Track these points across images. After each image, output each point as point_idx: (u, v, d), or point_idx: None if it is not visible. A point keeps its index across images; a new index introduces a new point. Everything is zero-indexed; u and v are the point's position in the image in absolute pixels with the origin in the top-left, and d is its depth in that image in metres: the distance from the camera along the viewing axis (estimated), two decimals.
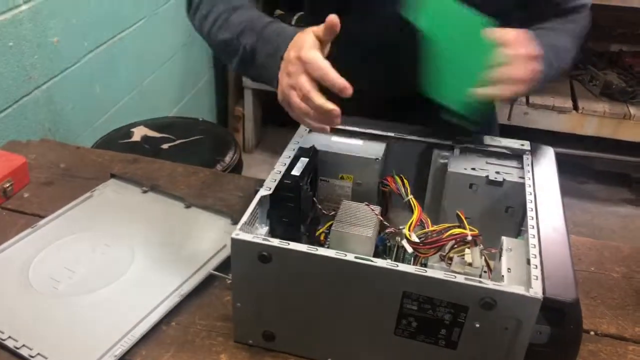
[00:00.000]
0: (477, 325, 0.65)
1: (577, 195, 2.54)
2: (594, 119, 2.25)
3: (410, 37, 0.75)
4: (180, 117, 1.81)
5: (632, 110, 2.25)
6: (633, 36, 2.58)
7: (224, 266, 0.85)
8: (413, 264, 0.79)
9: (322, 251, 0.66)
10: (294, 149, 0.85)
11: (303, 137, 0.89)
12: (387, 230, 0.83)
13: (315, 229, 0.86)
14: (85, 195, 1.01)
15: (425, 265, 0.83)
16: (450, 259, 0.79)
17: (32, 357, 0.71)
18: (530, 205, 0.76)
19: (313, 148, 0.86)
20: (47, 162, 1.12)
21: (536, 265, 0.65)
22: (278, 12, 2.49)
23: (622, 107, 2.26)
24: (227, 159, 1.43)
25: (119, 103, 1.80)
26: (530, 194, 0.78)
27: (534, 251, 0.68)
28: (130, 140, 1.48)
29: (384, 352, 0.70)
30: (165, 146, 1.47)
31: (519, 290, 0.62)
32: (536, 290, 0.62)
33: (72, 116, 1.57)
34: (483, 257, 0.77)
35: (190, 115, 1.85)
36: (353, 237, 0.79)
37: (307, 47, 0.70)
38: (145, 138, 1.50)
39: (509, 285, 0.64)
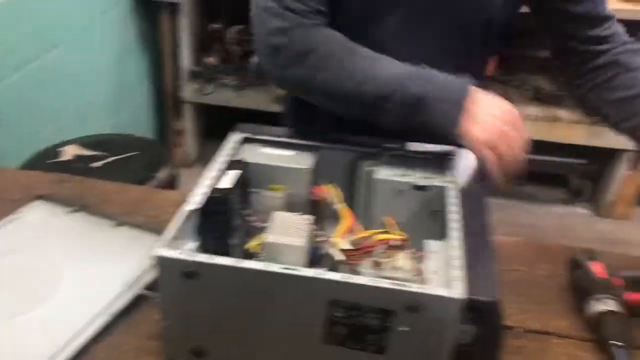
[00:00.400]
0: (405, 329, 0.66)
1: (518, 197, 2.63)
2: (528, 122, 2.33)
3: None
4: (113, 134, 1.78)
5: (561, 113, 2.35)
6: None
7: (156, 284, 0.83)
8: (348, 272, 0.80)
9: (247, 264, 0.66)
10: (222, 162, 0.85)
11: (231, 150, 0.89)
12: (319, 240, 0.84)
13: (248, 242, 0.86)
14: (10, 217, 0.97)
15: (358, 273, 0.84)
16: (380, 264, 0.80)
17: None
18: (452, 209, 0.78)
19: (242, 160, 0.86)
20: None
21: (458, 267, 0.67)
22: (214, 26, 2.48)
23: (552, 111, 2.36)
24: (161, 175, 1.41)
25: (50, 122, 1.75)
26: (453, 197, 0.80)
27: (456, 253, 0.70)
28: (60, 159, 1.44)
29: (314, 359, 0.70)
30: (97, 164, 1.44)
31: (442, 292, 0.64)
32: (458, 292, 0.64)
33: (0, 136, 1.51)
34: (413, 261, 0.79)
35: (128, 132, 1.81)
36: (285, 247, 0.79)
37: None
38: (77, 157, 1.46)
39: (433, 287, 0.65)
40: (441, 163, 0.89)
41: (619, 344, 0.76)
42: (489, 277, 0.67)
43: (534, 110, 2.36)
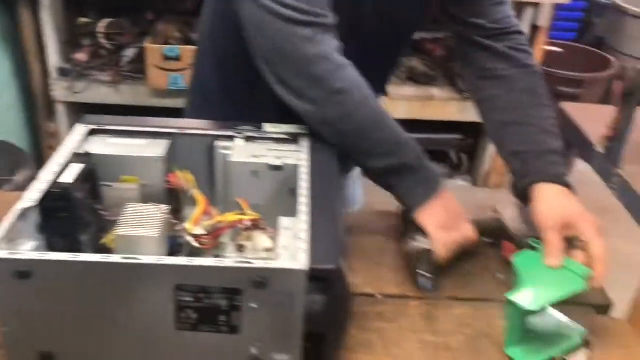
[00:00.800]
0: (254, 306, 0.66)
1: None
2: (403, 103, 2.43)
3: None
4: None
5: (435, 91, 2.46)
6: (431, 23, 2.81)
7: None
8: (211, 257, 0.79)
9: (84, 257, 0.64)
10: (64, 156, 0.81)
11: (76, 143, 0.85)
12: (176, 229, 0.82)
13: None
14: None
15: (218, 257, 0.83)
16: (243, 247, 0.80)
17: None
18: (303, 185, 0.79)
19: (86, 153, 0.83)
20: None
21: (303, 240, 0.68)
22: (83, 20, 2.36)
23: (426, 90, 2.46)
24: (20, 178, 1.33)
25: None
26: (304, 174, 0.81)
27: (303, 227, 0.71)
28: None
29: (170, 348, 0.69)
30: None
31: (285, 265, 0.65)
32: (301, 263, 0.65)
33: None
34: (272, 240, 0.79)
35: None
36: (139, 239, 0.76)
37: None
38: None
39: (276, 262, 0.66)
40: (294, 142, 0.90)
41: (425, 273, 0.87)
42: (331, 247, 0.68)
43: (409, 90, 2.45)
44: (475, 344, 0.80)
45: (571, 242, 0.83)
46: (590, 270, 0.79)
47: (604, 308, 0.89)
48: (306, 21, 0.83)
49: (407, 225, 0.93)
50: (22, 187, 1.33)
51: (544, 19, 2.30)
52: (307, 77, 0.85)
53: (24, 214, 0.71)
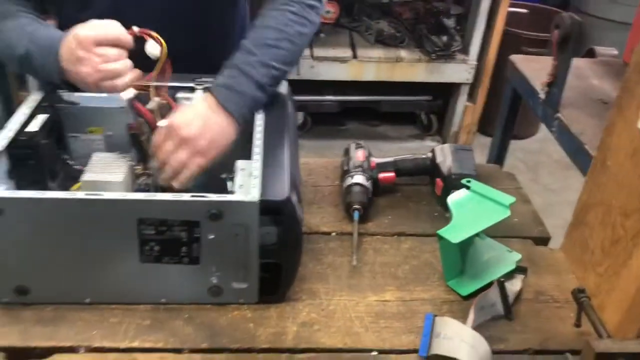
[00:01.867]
0: (212, 237, 0.72)
1: (372, 136, 2.79)
2: (372, 65, 2.47)
3: None
4: None
5: (403, 53, 2.50)
6: None
7: None
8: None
9: (51, 194, 0.69)
10: (30, 107, 0.85)
11: (41, 95, 0.89)
12: (142, 179, 0.87)
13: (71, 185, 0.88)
14: None
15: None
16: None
17: None
18: (258, 133, 0.84)
19: (51, 104, 0.87)
20: None
21: (255, 177, 0.74)
22: None
23: (395, 52, 2.51)
24: None
25: None
26: (259, 122, 0.86)
27: (256, 166, 0.76)
28: None
29: (136, 280, 0.75)
30: None
31: (239, 197, 0.70)
32: (253, 195, 0.71)
33: None
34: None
35: None
36: (105, 184, 0.82)
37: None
38: None
39: (232, 195, 0.72)
40: None
41: (358, 207, 0.93)
42: (282, 182, 0.74)
43: (377, 52, 2.49)
44: (421, 273, 0.87)
45: None
46: (514, 198, 0.87)
47: (542, 240, 0.97)
48: None
49: (346, 165, 1.01)
50: None
51: None
52: None
53: None
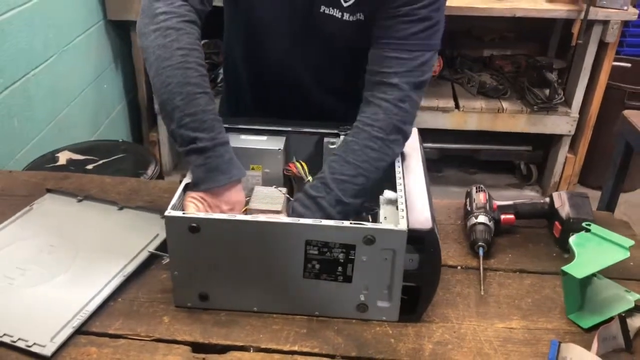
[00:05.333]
0: (364, 259, 0.85)
1: (469, 184, 2.84)
2: (474, 115, 2.57)
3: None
4: (101, 140, 1.92)
5: (505, 104, 2.59)
6: (501, 41, 2.95)
7: (161, 248, 1.00)
8: None
9: (239, 217, 0.84)
10: None
11: None
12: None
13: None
14: (25, 209, 1.13)
15: None
16: None
17: None
18: (398, 170, 0.97)
19: None
20: None
21: (403, 209, 0.86)
22: None
23: (496, 103, 2.60)
24: (149, 172, 1.58)
25: (39, 134, 1.89)
26: (399, 162, 1.00)
27: (401, 200, 0.89)
28: (56, 164, 1.59)
29: (297, 293, 0.89)
30: (90, 167, 1.60)
31: (390, 226, 0.83)
32: (402, 225, 0.83)
33: None
34: (369, 216, 0.98)
35: None
36: (266, 213, 0.97)
37: None
38: (71, 161, 1.61)
39: (383, 224, 0.84)
40: None
41: (482, 244, 1.04)
42: (425, 214, 0.86)
43: (480, 103, 2.59)
44: (543, 306, 0.95)
45: None
46: (633, 241, 0.94)
47: None
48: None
49: (469, 206, 1.11)
50: (153, 178, 1.59)
51: (612, 35, 2.40)
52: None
53: (187, 187, 0.92)
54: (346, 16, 1.03)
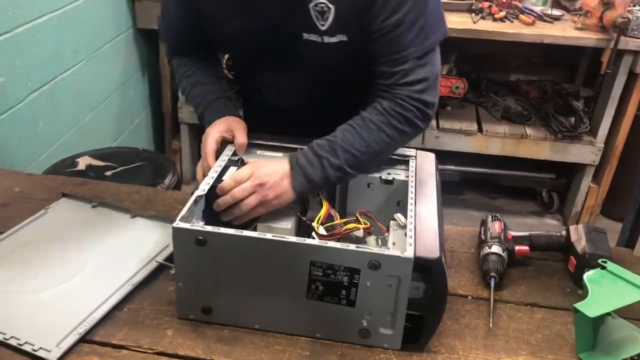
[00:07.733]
0: (368, 284, 0.84)
1: (490, 209, 2.82)
2: (497, 139, 2.55)
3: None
4: (121, 147, 1.94)
5: (529, 130, 2.56)
6: (528, 67, 2.92)
7: (169, 259, 1.01)
8: None
9: (246, 233, 0.84)
10: (224, 160, 1.03)
11: (232, 151, 1.07)
12: (305, 224, 1.02)
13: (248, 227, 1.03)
14: (40, 212, 1.14)
15: None
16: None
17: (6, 339, 0.85)
18: (410, 196, 0.96)
19: (240, 159, 1.05)
20: (2, 188, 1.25)
21: (411, 236, 0.85)
22: None
23: (520, 129, 2.57)
24: (167, 181, 1.59)
25: (61, 138, 1.92)
26: (412, 187, 0.99)
27: (410, 227, 0.88)
28: (75, 169, 1.61)
29: (299, 313, 0.88)
30: (108, 173, 1.62)
31: (396, 252, 0.82)
32: (409, 252, 0.82)
33: (18, 151, 1.68)
34: (378, 241, 0.97)
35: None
36: (276, 229, 0.97)
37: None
38: (90, 167, 1.63)
39: (390, 249, 0.83)
40: (404, 163, 1.08)
41: (494, 275, 1.01)
42: (434, 243, 0.85)
43: (503, 128, 2.56)
44: (553, 343, 0.92)
45: None
46: None
47: None
48: None
49: (484, 235, 1.09)
50: (170, 187, 1.60)
51: None
52: None
53: (197, 200, 0.93)
54: (326, 39, 1.03)
